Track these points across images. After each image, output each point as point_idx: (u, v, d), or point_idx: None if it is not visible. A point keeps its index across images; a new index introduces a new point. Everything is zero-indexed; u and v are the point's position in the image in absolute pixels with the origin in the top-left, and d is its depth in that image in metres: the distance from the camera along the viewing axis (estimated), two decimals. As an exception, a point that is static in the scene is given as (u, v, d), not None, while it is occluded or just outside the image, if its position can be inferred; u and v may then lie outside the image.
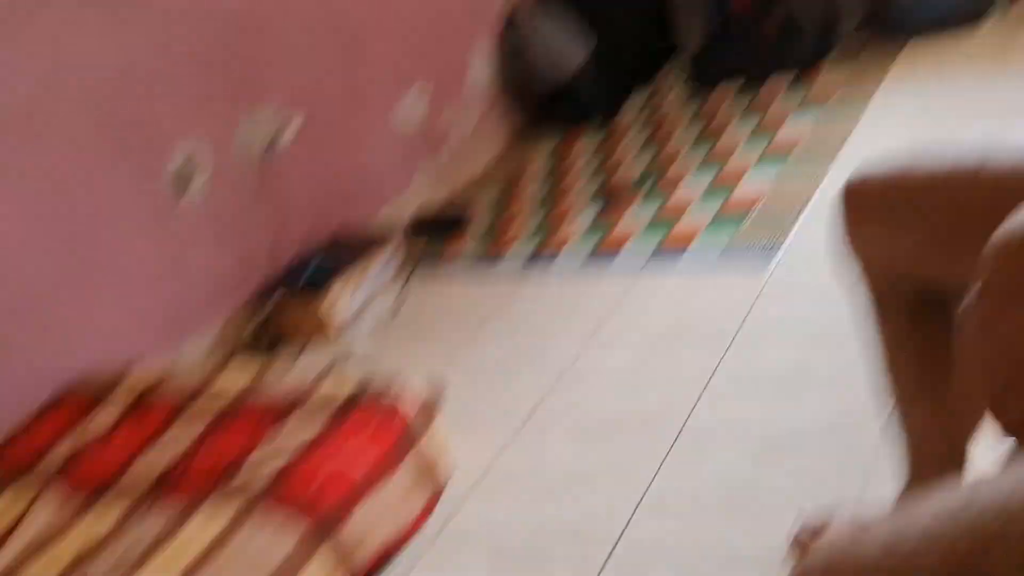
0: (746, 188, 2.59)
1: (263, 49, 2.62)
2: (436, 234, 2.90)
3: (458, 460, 1.79)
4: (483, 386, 2.06)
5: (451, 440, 1.80)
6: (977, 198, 1.00)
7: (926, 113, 2.68)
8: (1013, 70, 2.77)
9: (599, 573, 1.48)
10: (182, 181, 2.40)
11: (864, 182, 1.11)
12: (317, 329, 2.48)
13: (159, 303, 2.37)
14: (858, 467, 1.52)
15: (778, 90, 3.13)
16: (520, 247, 2.66)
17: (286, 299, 2.49)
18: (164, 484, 1.69)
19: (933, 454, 1.23)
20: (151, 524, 1.57)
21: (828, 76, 3.11)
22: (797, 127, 2.84)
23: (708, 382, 1.84)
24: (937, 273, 1.08)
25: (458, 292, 2.54)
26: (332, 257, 2.57)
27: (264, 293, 2.53)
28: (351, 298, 2.51)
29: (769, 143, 2.81)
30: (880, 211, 1.10)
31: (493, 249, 2.71)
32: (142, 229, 2.33)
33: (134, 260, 2.31)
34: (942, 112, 2.65)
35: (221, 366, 2.02)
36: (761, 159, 2.73)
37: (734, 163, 2.76)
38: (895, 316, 1.19)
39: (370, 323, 2.49)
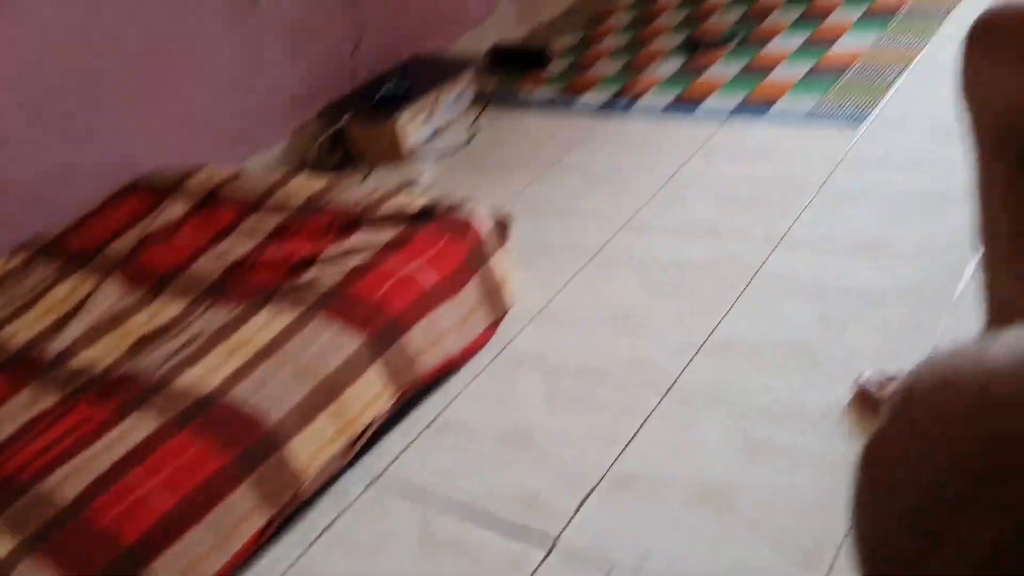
0: (843, 46, 2.48)
1: None
2: (514, 68, 2.82)
3: (521, 290, 1.79)
4: (551, 221, 2.03)
5: (516, 271, 1.79)
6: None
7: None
8: None
9: (656, 406, 1.48)
10: (263, -16, 2.35)
11: (998, 16, 1.03)
12: (387, 153, 2.45)
13: (230, 109, 2.35)
14: (929, 332, 1.49)
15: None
16: (599, 89, 2.59)
17: (357, 119, 2.46)
18: (229, 280, 1.69)
19: (1018, 317, 1.19)
20: (214, 317, 1.58)
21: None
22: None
23: (783, 236, 1.80)
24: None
25: (532, 128, 2.49)
26: (407, 81, 2.52)
27: (335, 111, 2.50)
28: (423, 125, 2.47)
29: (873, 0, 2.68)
30: (1009, 48, 1.03)
31: (571, 89, 2.64)
32: (219, 33, 2.29)
33: (209, 63, 2.28)
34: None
35: (292, 174, 2.00)
36: (863, 18, 2.60)
37: (833, 20, 2.64)
38: (1003, 169, 1.13)
39: (440, 152, 2.46)
